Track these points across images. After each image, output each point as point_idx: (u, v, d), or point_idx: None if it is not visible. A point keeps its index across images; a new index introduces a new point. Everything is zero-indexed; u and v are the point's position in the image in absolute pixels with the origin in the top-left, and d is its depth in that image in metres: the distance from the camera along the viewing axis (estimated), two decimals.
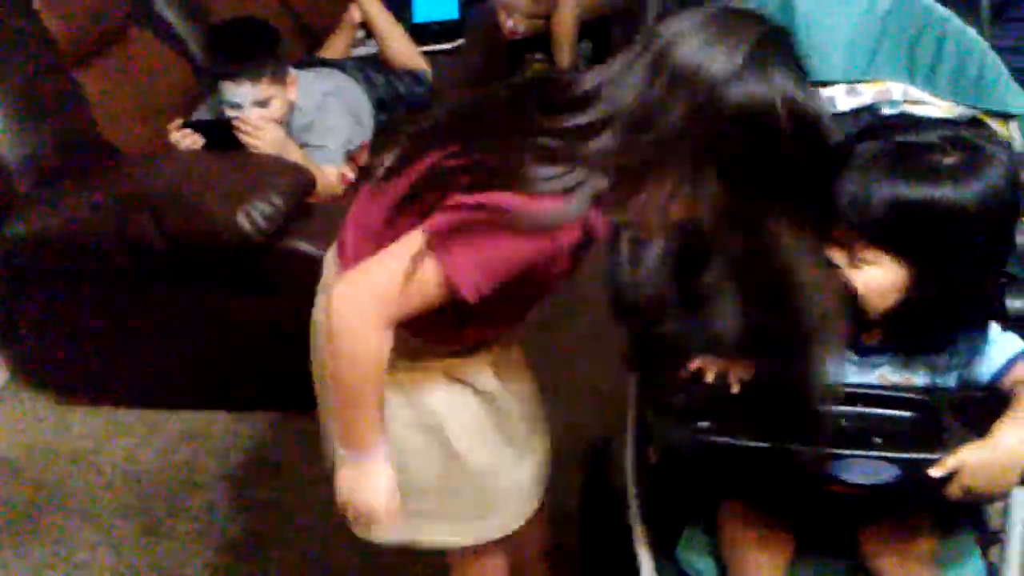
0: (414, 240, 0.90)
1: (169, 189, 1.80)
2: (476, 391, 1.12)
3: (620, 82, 0.87)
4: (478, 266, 0.89)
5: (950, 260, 0.93)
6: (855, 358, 1.04)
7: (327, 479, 1.85)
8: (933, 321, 0.99)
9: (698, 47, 0.84)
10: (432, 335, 1.03)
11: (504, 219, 0.86)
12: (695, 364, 1.05)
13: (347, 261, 1.04)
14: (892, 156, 0.94)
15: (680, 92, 0.83)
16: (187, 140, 1.94)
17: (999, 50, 1.21)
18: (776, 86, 0.83)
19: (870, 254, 0.95)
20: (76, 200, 1.83)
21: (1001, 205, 0.93)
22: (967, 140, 0.95)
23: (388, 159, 1.03)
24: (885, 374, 1.04)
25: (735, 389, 1.01)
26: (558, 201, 0.86)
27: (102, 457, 1.96)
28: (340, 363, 0.95)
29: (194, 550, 1.72)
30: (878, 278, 0.95)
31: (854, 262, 0.96)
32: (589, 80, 0.90)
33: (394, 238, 0.93)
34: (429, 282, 0.90)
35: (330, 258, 1.13)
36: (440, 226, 0.89)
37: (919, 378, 1.04)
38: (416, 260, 0.89)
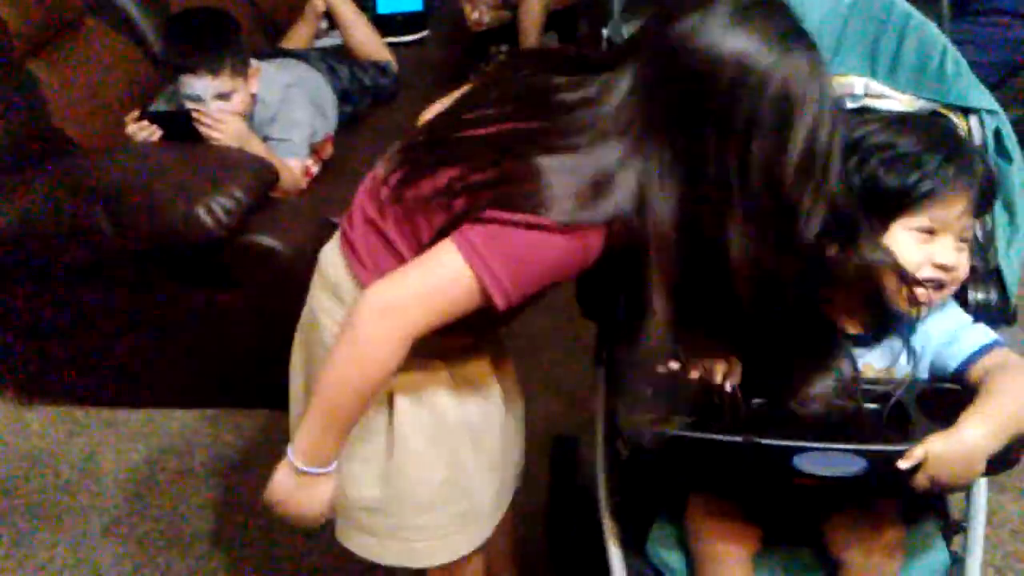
0: (447, 252, 0.89)
1: (125, 182, 1.76)
2: (479, 391, 1.12)
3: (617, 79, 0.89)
4: (514, 277, 0.89)
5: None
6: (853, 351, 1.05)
7: None
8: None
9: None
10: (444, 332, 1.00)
11: (537, 232, 0.86)
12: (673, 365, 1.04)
13: (366, 267, 1.02)
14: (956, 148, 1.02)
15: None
16: (144, 132, 1.90)
17: (960, 43, 1.23)
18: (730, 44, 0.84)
19: (971, 225, 1.02)
20: (29, 193, 1.78)
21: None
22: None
23: (391, 168, 1.04)
24: (872, 363, 1.05)
25: (720, 382, 1.01)
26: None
27: (61, 457, 1.93)
28: (350, 370, 0.93)
29: (155, 550, 1.69)
30: (968, 256, 1.02)
31: (961, 245, 1.01)
32: (588, 83, 0.91)
33: (414, 247, 0.94)
34: (463, 294, 0.90)
35: (332, 256, 1.09)
36: (475, 238, 0.88)
37: (901, 369, 1.05)
38: (453, 273, 0.89)
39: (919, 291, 0.99)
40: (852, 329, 1.05)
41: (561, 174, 0.87)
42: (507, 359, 1.23)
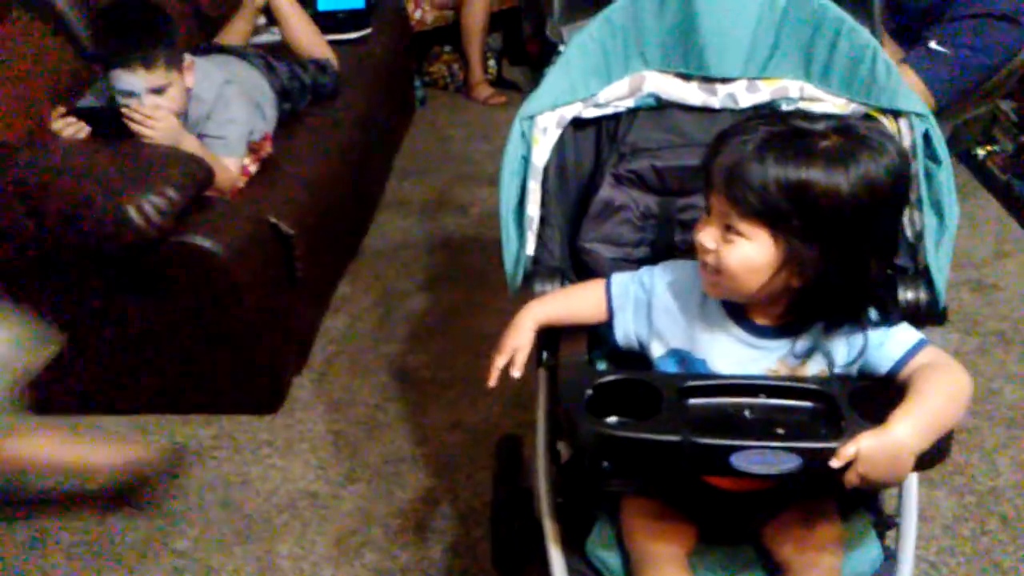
0: None
1: (50, 180, 1.70)
2: None
3: None
4: None
5: (823, 241, 0.96)
6: (752, 340, 1.06)
7: (222, 483, 1.81)
8: (810, 303, 1.02)
9: None
10: None
11: None
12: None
13: None
14: (774, 136, 0.97)
15: None
16: (71, 128, 1.83)
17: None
18: None
19: (745, 227, 0.97)
20: None
21: (875, 193, 0.95)
22: (853, 130, 0.98)
23: None
24: (783, 359, 1.06)
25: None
26: None
27: None
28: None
29: (84, 560, 1.63)
30: (749, 253, 0.98)
31: (727, 236, 0.99)
32: None
33: None
34: None
35: None
36: None
37: (815, 368, 1.06)
38: None
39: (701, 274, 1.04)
40: (764, 321, 1.07)
41: None
42: None
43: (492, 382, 1.10)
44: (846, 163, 0.94)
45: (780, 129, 0.98)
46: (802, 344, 1.05)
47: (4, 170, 1.75)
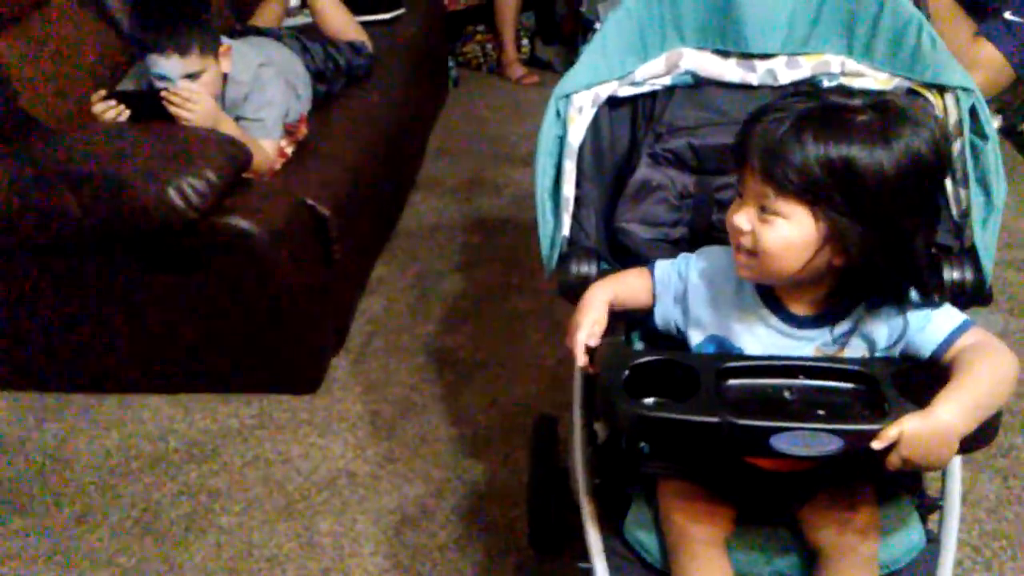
0: None
1: (92, 164, 1.72)
2: None
3: None
4: None
5: (866, 217, 0.94)
6: (788, 330, 1.05)
7: (264, 461, 1.84)
8: (853, 283, 1.00)
9: None
10: None
11: None
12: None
13: None
14: (810, 113, 0.95)
15: None
16: (112, 112, 1.86)
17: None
18: None
19: (783, 207, 0.96)
20: None
21: (919, 167, 0.93)
22: (891, 105, 0.96)
23: None
24: (821, 347, 1.05)
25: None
26: None
27: (31, 444, 1.90)
28: None
29: (129, 537, 1.67)
30: (789, 233, 0.96)
31: (763, 217, 0.97)
32: None
33: None
34: None
35: None
36: None
37: (855, 352, 1.05)
38: None
39: (735, 257, 1.02)
40: (800, 310, 1.05)
41: None
42: None
43: (581, 361, 1.07)
44: (887, 138, 0.92)
45: (815, 105, 0.96)
46: (840, 329, 1.03)
47: (48, 152, 1.79)
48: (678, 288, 1.12)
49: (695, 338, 1.12)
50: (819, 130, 0.93)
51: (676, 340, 1.14)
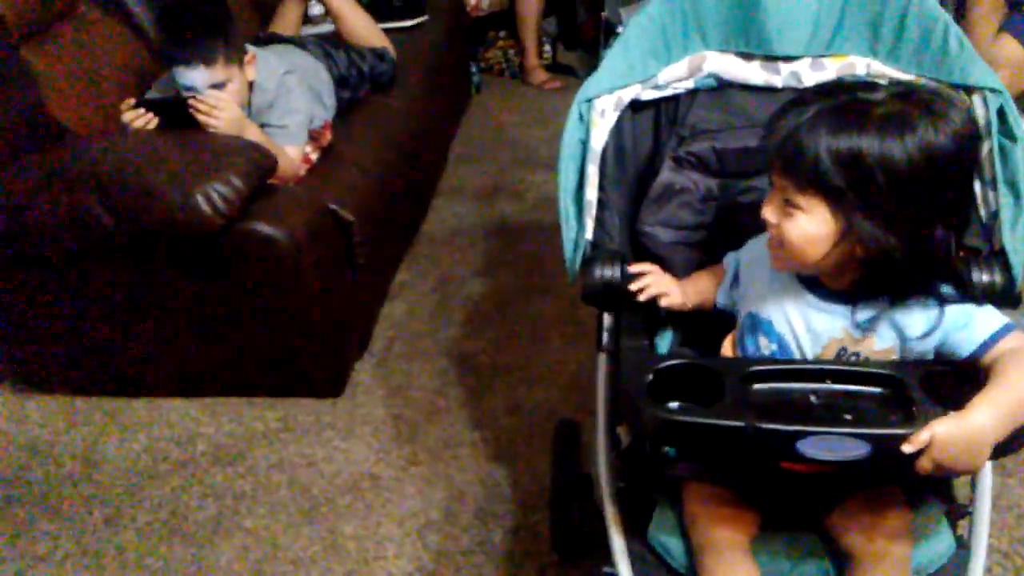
0: None
1: (121, 171, 1.74)
2: None
3: None
4: None
5: (881, 212, 0.94)
6: (820, 304, 1.05)
7: (289, 464, 1.84)
8: (876, 274, 0.99)
9: None
10: None
11: None
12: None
13: None
14: (830, 106, 0.95)
15: None
16: (140, 120, 1.88)
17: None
18: None
19: (802, 200, 0.97)
20: (25, 183, 1.77)
21: (935, 161, 0.92)
22: (915, 95, 0.95)
23: None
24: (848, 329, 1.04)
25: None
26: None
27: (61, 447, 1.92)
28: None
29: (157, 539, 1.69)
30: (808, 226, 0.97)
31: (786, 210, 0.98)
32: None
33: None
34: None
35: None
36: None
37: (884, 342, 1.03)
38: None
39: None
40: (834, 286, 1.05)
41: None
42: None
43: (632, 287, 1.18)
44: (902, 130, 0.92)
45: (837, 99, 0.96)
46: (864, 314, 1.02)
47: (77, 160, 1.81)
48: (734, 270, 1.19)
49: (740, 314, 1.16)
50: (834, 123, 0.94)
51: (709, 332, 1.19)
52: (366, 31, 2.60)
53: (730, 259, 1.21)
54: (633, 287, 1.18)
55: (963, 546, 1.07)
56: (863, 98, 0.95)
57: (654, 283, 1.20)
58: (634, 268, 1.21)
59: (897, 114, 0.93)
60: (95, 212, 1.72)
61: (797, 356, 1.06)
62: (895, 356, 1.04)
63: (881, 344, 1.03)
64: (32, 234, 1.77)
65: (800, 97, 1.00)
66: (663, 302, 1.20)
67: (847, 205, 0.94)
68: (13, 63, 1.93)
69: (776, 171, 0.99)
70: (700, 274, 1.26)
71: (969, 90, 1.20)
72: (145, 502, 1.77)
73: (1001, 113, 1.18)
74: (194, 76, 1.87)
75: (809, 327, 1.05)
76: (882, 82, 1.16)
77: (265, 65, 2.05)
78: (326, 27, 2.73)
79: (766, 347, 1.09)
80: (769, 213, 1.01)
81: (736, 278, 1.19)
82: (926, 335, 1.02)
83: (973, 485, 1.12)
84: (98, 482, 1.83)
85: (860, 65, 1.25)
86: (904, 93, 0.96)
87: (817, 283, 1.06)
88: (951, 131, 0.93)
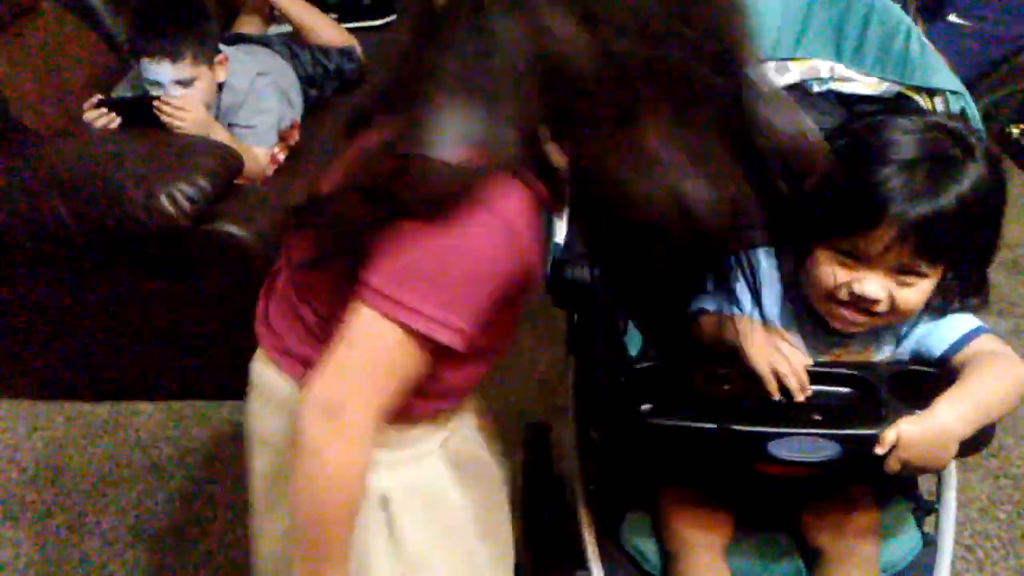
0: (358, 315, 0.72)
1: (84, 170, 1.71)
2: (475, 467, 0.97)
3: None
4: (448, 305, 0.72)
5: (971, 257, 0.97)
6: (827, 338, 1.05)
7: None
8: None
9: None
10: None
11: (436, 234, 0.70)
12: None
13: (295, 367, 0.86)
14: (925, 169, 0.92)
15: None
16: (103, 119, 1.85)
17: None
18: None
19: (928, 268, 0.94)
20: None
21: (994, 192, 0.95)
22: (960, 136, 0.95)
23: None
24: (850, 346, 1.05)
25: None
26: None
27: (23, 452, 1.88)
28: (319, 495, 0.76)
29: (121, 545, 1.66)
30: (926, 289, 0.96)
31: (903, 279, 0.94)
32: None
33: (327, 319, 0.77)
34: (403, 356, 0.73)
35: (260, 367, 0.97)
36: (377, 281, 0.71)
37: (881, 353, 1.05)
38: (376, 337, 0.71)
39: (840, 312, 0.97)
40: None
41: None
42: (488, 418, 1.07)
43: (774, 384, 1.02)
44: (998, 180, 0.94)
45: (936, 153, 0.92)
46: (867, 337, 1.04)
47: (39, 160, 1.78)
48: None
49: None
50: (956, 188, 0.91)
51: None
52: (325, 32, 2.57)
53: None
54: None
55: (929, 542, 1.09)
56: (947, 154, 0.93)
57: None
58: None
59: (987, 167, 0.94)
60: (58, 213, 1.68)
61: None
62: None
63: (880, 355, 1.05)
64: None
65: (900, 142, 0.93)
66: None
67: (954, 261, 0.96)
68: None
69: (900, 248, 0.91)
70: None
71: (932, 92, 1.22)
72: (110, 508, 1.74)
73: (963, 115, 1.20)
74: (159, 71, 1.84)
75: (814, 354, 1.05)
76: (845, 90, 1.17)
77: (238, 66, 2.02)
78: (288, 27, 2.70)
79: None
80: (877, 290, 0.93)
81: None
82: (903, 338, 1.04)
83: (938, 482, 1.14)
84: (61, 487, 1.79)
85: (824, 68, 1.26)
86: (956, 135, 0.94)
87: (825, 325, 1.04)
88: (998, 173, 0.95)
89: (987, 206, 0.93)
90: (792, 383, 0.94)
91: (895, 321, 0.99)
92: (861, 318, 0.98)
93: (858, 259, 0.94)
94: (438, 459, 0.92)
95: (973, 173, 0.92)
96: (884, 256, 0.93)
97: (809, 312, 1.04)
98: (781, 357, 0.94)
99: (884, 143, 0.94)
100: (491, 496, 1.01)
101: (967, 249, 0.96)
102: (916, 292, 0.96)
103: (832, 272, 0.95)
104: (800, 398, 0.95)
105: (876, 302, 0.95)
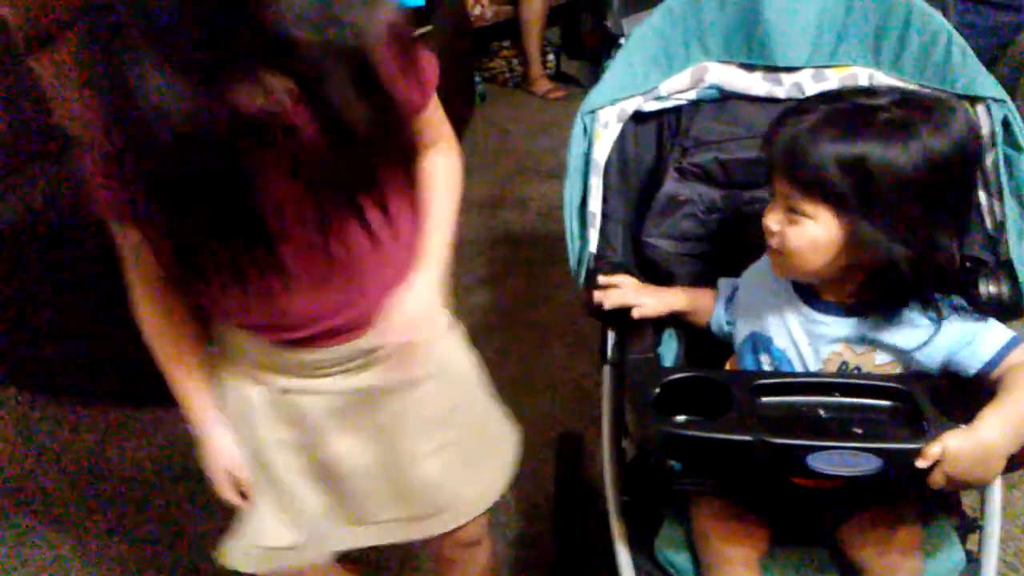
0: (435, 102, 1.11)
1: None
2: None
3: None
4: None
5: (885, 219, 0.93)
6: (817, 317, 1.04)
7: None
8: (881, 282, 0.99)
9: None
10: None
11: None
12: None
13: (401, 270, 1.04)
14: (833, 113, 0.95)
15: None
16: None
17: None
18: None
19: (807, 207, 0.96)
20: (31, 190, 1.78)
21: (938, 168, 0.92)
22: (917, 102, 0.96)
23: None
24: (849, 344, 1.03)
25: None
26: None
27: (66, 456, 1.92)
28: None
29: (161, 547, 1.69)
30: (813, 233, 0.96)
31: (791, 217, 0.98)
32: None
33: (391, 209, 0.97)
34: None
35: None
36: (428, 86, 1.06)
37: (884, 356, 1.03)
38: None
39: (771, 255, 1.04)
40: (832, 299, 1.04)
41: None
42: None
43: (596, 297, 1.18)
44: (905, 137, 0.92)
45: (840, 106, 0.96)
46: (864, 327, 1.02)
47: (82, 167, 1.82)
48: (729, 293, 1.17)
49: (739, 337, 1.14)
50: (837, 129, 0.94)
51: (718, 344, 1.17)
52: None
53: (728, 283, 1.20)
54: (596, 297, 1.17)
55: (973, 560, 1.07)
56: (865, 104, 0.96)
57: (620, 294, 1.18)
58: (603, 279, 1.19)
59: (900, 120, 0.93)
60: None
61: (800, 371, 1.05)
62: (897, 370, 1.03)
63: (881, 358, 1.03)
64: (40, 243, 1.77)
65: (800, 105, 1.01)
66: (635, 313, 1.17)
67: (851, 211, 0.94)
68: (20, 73, 1.94)
69: (779, 178, 0.99)
70: (695, 288, 1.24)
71: (973, 100, 1.19)
72: (149, 512, 1.77)
73: (1006, 123, 1.17)
74: None
75: (811, 340, 1.05)
76: (883, 90, 1.16)
77: None
78: None
79: (768, 364, 1.08)
80: (772, 221, 1.00)
81: (732, 297, 1.17)
82: (921, 347, 1.00)
83: (983, 499, 1.11)
84: (102, 491, 1.83)
85: (863, 76, 1.24)
86: (905, 100, 0.96)
87: (816, 296, 1.05)
88: (953, 137, 0.93)
89: (904, 173, 0.91)
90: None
91: (793, 263, 1.00)
92: (772, 258, 1.04)
93: (773, 198, 1.01)
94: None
95: (881, 133, 0.92)
96: (778, 190, 0.99)
97: (802, 292, 1.06)
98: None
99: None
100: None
101: (852, 201, 0.93)
102: (799, 231, 0.97)
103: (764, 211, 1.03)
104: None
105: (772, 233, 1.00)
